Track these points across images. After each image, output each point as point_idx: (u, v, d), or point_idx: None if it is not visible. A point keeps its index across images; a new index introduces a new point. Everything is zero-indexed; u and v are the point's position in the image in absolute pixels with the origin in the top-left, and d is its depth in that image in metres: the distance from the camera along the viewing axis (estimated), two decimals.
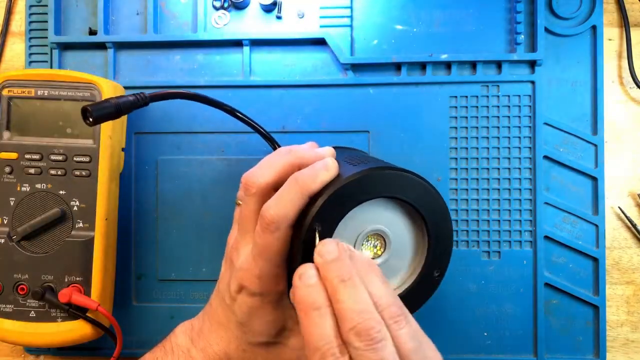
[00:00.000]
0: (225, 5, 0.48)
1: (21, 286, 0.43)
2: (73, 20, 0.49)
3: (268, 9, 0.48)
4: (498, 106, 0.47)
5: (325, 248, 0.28)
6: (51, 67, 0.49)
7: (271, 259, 0.31)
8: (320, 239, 0.29)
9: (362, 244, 0.32)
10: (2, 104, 0.43)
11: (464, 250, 0.47)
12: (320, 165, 0.31)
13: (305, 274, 0.28)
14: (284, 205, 0.30)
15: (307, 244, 0.30)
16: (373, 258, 0.33)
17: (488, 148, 0.47)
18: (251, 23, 0.48)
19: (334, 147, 0.35)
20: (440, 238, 0.32)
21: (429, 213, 0.32)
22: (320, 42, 0.48)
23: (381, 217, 0.32)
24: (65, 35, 0.49)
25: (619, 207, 0.47)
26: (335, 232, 0.31)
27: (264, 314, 0.32)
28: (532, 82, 0.47)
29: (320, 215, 0.30)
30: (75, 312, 0.42)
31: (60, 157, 0.43)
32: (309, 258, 0.29)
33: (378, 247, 0.33)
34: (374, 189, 0.31)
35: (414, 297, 0.33)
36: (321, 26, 0.48)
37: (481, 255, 0.47)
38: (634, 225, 0.47)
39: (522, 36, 0.47)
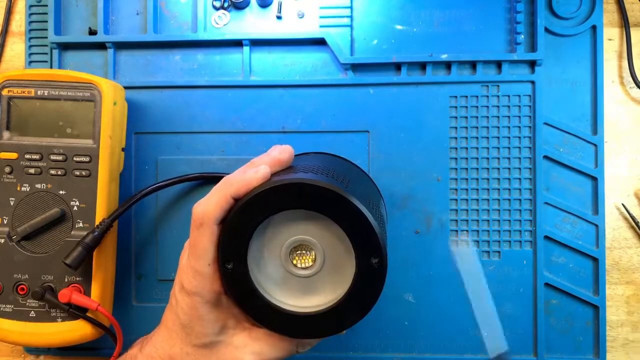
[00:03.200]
0: (225, 5, 0.48)
1: (21, 286, 0.43)
2: (73, 20, 0.49)
3: (264, 4, 0.48)
4: (498, 106, 0.47)
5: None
6: (51, 67, 0.49)
7: (201, 256, 0.32)
8: (240, 238, 0.31)
9: (290, 254, 0.33)
10: (2, 104, 0.43)
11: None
12: (251, 171, 0.32)
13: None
14: (209, 203, 0.32)
15: (223, 243, 0.32)
16: (305, 268, 0.33)
17: (488, 148, 0.47)
18: (251, 23, 0.48)
19: (320, 153, 0.36)
20: (358, 227, 0.31)
21: (333, 209, 0.31)
22: (320, 42, 0.48)
23: (310, 227, 0.33)
24: (65, 35, 0.49)
25: (622, 204, 0.47)
26: (261, 241, 0.33)
27: (204, 314, 0.33)
28: (532, 82, 0.47)
29: (237, 218, 0.31)
30: (75, 312, 0.42)
31: (60, 157, 0.43)
32: (227, 257, 0.32)
33: (309, 256, 0.33)
34: (284, 200, 0.31)
35: (361, 292, 0.32)
36: (321, 26, 0.48)
37: (481, 255, 0.47)
38: (637, 223, 0.47)
39: (522, 36, 0.47)
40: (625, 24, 0.48)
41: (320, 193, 0.31)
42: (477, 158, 0.47)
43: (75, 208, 0.43)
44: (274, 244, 0.33)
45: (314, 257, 0.33)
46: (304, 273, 0.33)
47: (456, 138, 0.47)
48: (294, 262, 0.33)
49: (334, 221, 0.31)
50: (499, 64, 0.47)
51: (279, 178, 0.31)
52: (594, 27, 0.47)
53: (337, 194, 0.30)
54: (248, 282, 0.32)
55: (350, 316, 0.32)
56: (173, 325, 0.34)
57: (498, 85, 0.47)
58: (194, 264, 0.32)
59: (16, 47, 0.51)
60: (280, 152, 0.34)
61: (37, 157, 0.43)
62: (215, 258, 0.32)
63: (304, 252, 0.33)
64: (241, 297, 0.33)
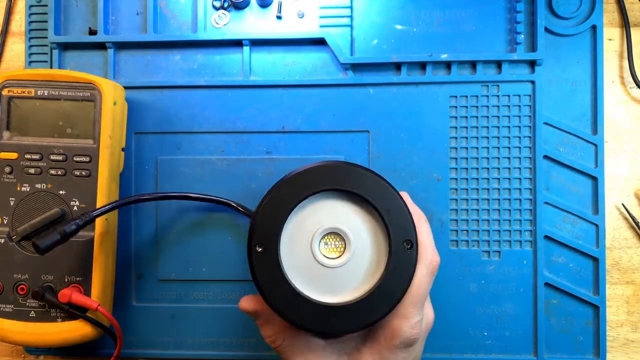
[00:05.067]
0: (225, 5, 0.48)
1: (21, 286, 0.43)
2: (73, 20, 0.50)
3: (264, 4, 0.48)
4: (498, 106, 0.47)
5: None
6: (51, 67, 0.49)
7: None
8: (273, 222, 0.33)
9: (320, 241, 0.34)
10: (2, 104, 0.43)
11: (464, 250, 0.47)
12: None
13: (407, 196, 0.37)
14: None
15: (255, 226, 0.33)
16: (335, 258, 0.34)
17: (488, 148, 0.47)
18: (251, 23, 0.48)
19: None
20: (392, 212, 0.33)
21: (371, 192, 0.33)
22: (320, 42, 0.48)
23: (341, 216, 0.34)
24: (65, 35, 0.49)
25: (622, 204, 0.47)
26: (292, 228, 0.34)
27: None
28: (532, 82, 0.47)
29: (268, 208, 0.33)
30: (75, 312, 0.42)
31: (60, 157, 0.43)
32: (259, 240, 0.32)
33: (340, 246, 0.34)
34: (313, 183, 0.33)
35: (392, 281, 0.33)
36: (321, 26, 0.48)
37: (481, 255, 0.47)
38: (637, 223, 0.47)
39: (522, 36, 0.47)
40: (625, 24, 0.48)
41: (355, 174, 0.32)
42: (477, 158, 0.47)
43: (75, 208, 0.43)
44: (304, 232, 0.34)
45: (343, 247, 0.34)
46: (333, 263, 0.34)
47: (456, 138, 0.47)
48: (323, 251, 0.34)
49: (368, 202, 0.33)
50: (499, 64, 0.47)
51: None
52: (594, 27, 0.47)
53: (372, 173, 0.33)
54: (278, 267, 0.32)
55: (381, 307, 0.32)
56: None
57: (498, 85, 0.47)
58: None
59: (16, 47, 0.51)
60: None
61: (37, 157, 0.43)
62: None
63: (334, 242, 0.34)
64: (268, 284, 0.33)
